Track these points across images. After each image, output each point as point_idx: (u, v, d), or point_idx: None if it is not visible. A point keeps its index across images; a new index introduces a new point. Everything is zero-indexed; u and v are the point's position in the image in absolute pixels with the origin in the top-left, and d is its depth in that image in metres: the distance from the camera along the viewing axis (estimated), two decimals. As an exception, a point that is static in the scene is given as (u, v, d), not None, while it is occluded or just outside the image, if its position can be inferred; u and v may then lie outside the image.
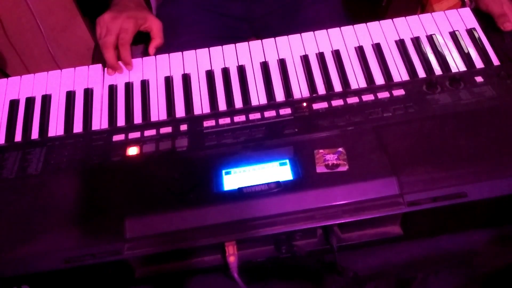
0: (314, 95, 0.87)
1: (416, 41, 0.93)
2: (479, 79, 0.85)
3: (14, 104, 0.91)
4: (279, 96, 0.88)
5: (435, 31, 0.95)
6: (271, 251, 0.75)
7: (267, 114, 0.84)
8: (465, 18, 0.96)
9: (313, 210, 0.70)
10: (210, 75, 0.92)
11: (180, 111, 0.88)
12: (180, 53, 0.96)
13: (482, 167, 0.72)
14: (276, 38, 0.96)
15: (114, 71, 0.94)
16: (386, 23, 0.97)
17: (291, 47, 0.95)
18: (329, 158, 0.74)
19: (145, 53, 1.00)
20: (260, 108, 0.85)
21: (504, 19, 0.90)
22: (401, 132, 0.77)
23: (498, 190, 0.70)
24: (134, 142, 0.82)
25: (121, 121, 0.88)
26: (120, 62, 0.94)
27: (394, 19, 0.97)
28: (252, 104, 0.87)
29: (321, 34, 0.96)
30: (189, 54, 0.96)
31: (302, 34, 0.96)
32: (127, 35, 0.93)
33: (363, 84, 0.88)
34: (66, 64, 0.97)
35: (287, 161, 0.76)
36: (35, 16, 1.57)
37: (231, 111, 0.86)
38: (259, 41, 0.96)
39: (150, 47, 0.97)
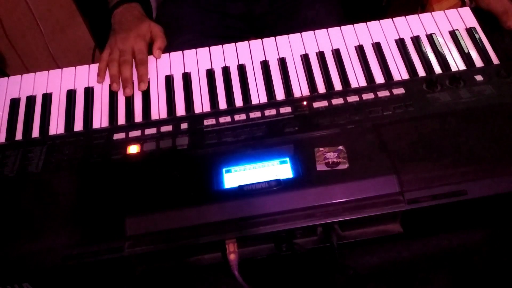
0: (314, 93, 0.88)
1: (416, 40, 0.93)
2: (478, 77, 0.85)
3: (15, 103, 0.91)
4: (280, 94, 0.88)
5: (435, 30, 0.95)
6: (271, 249, 0.75)
7: (268, 112, 0.84)
8: (465, 18, 0.96)
9: (313, 208, 0.70)
10: (210, 74, 0.92)
11: (180, 110, 0.88)
12: (181, 52, 0.96)
13: (482, 165, 0.72)
14: (277, 37, 0.97)
15: (126, 87, 0.92)
16: (386, 22, 0.97)
17: (292, 46, 0.95)
18: (329, 156, 0.74)
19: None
20: (261, 107, 0.86)
21: (508, 17, 0.91)
22: (401, 131, 0.78)
23: (498, 188, 0.70)
24: (134, 140, 0.83)
25: (121, 120, 0.88)
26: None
27: (394, 18, 0.97)
28: (253, 103, 0.88)
29: (321, 33, 0.97)
30: (189, 53, 0.96)
31: (302, 33, 0.97)
32: (144, 56, 0.95)
33: (363, 82, 0.89)
34: (66, 64, 0.97)
35: (288, 159, 0.76)
36: (35, 16, 1.57)
37: (232, 109, 0.87)
38: (260, 40, 0.96)
39: (154, 48, 0.96)
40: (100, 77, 0.94)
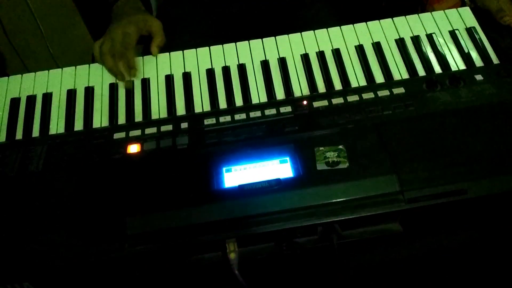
0: (314, 93, 0.88)
1: (416, 40, 0.93)
2: (478, 77, 0.85)
3: (15, 103, 0.91)
4: (280, 94, 0.89)
5: (435, 30, 0.95)
6: (271, 248, 0.75)
7: (268, 112, 0.84)
8: (465, 17, 0.97)
9: (313, 207, 0.70)
10: (210, 73, 0.92)
11: (180, 109, 0.88)
12: (181, 51, 0.96)
13: (482, 165, 0.72)
14: (277, 37, 0.97)
15: (123, 80, 0.92)
16: (386, 22, 0.97)
17: (292, 46, 0.95)
18: (329, 156, 0.74)
19: (146, 54, 1.00)
20: (261, 106, 0.86)
21: (502, 14, 0.91)
22: (401, 130, 0.78)
23: (498, 188, 0.70)
24: (135, 140, 0.82)
25: (122, 119, 0.88)
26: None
27: (394, 18, 0.97)
28: (253, 102, 0.88)
29: (321, 33, 0.97)
30: (189, 52, 0.96)
31: (303, 33, 0.97)
32: (129, 39, 0.94)
33: (363, 82, 0.89)
34: (66, 63, 0.97)
35: (288, 158, 0.76)
36: (35, 16, 1.57)
37: (232, 109, 0.87)
38: (260, 40, 0.97)
39: (152, 45, 0.96)
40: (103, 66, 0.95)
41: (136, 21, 0.96)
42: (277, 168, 0.75)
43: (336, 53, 0.93)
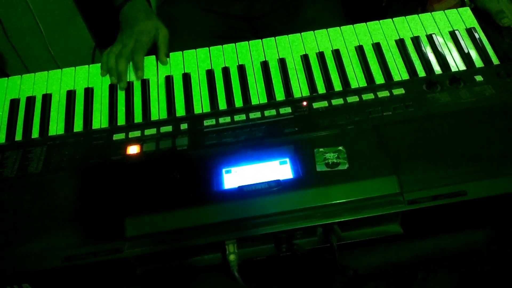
0: (314, 94, 0.88)
1: (416, 40, 0.93)
2: (478, 78, 0.85)
3: (14, 104, 0.91)
4: (279, 95, 0.88)
5: (435, 31, 0.95)
6: (271, 250, 0.75)
7: (267, 113, 0.84)
8: (465, 18, 0.96)
9: (313, 208, 0.70)
10: (210, 74, 0.92)
11: (180, 110, 0.88)
12: (181, 52, 0.96)
13: (482, 166, 0.72)
14: (276, 37, 0.97)
15: (120, 80, 0.93)
16: (386, 22, 0.97)
17: (291, 47, 0.95)
18: (329, 157, 0.74)
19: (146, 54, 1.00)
20: (260, 107, 0.85)
21: (502, 15, 0.91)
22: (401, 131, 0.78)
23: (498, 189, 0.70)
24: (134, 141, 0.82)
25: (121, 120, 0.88)
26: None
27: (394, 19, 0.97)
28: (252, 103, 0.88)
29: (321, 33, 0.97)
30: (189, 53, 0.96)
31: (302, 33, 0.97)
32: (140, 44, 0.95)
33: (363, 83, 0.89)
34: (66, 64, 0.97)
35: (287, 159, 0.76)
36: (35, 16, 1.56)
37: (231, 110, 0.87)
38: (259, 40, 0.97)
39: (160, 55, 0.96)
40: (102, 69, 0.95)
41: (148, 30, 0.98)
42: (276, 169, 0.75)
43: (336, 53, 0.93)
